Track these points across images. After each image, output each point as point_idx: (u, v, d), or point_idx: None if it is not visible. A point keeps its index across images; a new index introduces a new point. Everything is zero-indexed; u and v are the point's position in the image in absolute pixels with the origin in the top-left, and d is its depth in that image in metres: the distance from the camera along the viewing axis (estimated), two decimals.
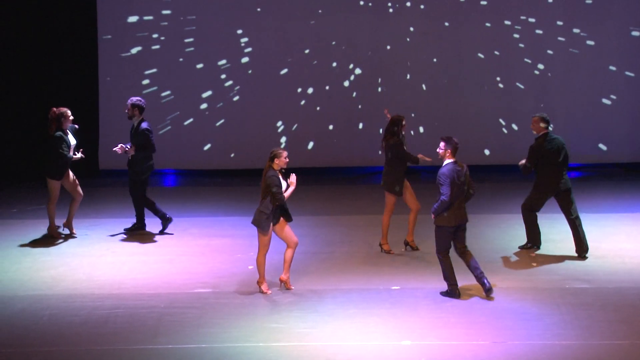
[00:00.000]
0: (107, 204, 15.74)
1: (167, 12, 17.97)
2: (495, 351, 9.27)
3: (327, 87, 18.11)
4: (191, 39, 18.01)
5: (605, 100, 18.09)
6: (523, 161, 12.39)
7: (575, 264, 12.05)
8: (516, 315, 10.18)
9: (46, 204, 13.53)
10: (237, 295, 10.91)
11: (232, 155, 18.17)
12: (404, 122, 12.47)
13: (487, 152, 18.22)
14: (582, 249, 12.30)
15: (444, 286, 10.94)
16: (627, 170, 18.33)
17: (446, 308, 10.40)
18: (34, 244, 13.24)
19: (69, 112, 13.50)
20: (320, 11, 18.02)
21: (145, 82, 18.04)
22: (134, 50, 18.02)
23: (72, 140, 13.58)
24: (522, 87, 18.06)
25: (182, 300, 10.77)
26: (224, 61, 18.07)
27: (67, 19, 17.96)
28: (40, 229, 13.85)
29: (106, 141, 17.97)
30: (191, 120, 18.02)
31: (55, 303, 10.70)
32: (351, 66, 18.13)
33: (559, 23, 17.98)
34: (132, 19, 17.97)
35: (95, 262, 12.34)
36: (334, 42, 18.07)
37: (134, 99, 13.56)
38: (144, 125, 13.46)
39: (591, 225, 13.64)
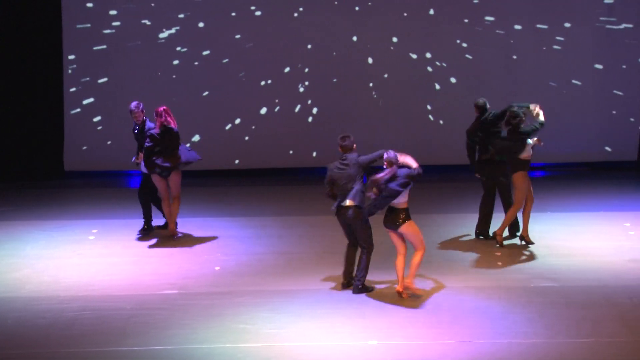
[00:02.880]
0: (73, 206, 15.67)
1: (129, 6, 17.90)
2: (461, 350, 9.32)
3: (300, 87, 18.12)
4: (157, 38, 17.96)
5: (575, 99, 18.22)
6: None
7: (541, 262, 12.13)
8: (482, 314, 10.23)
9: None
10: (205, 297, 10.89)
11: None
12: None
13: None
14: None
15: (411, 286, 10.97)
16: (593, 169, 18.48)
17: (413, 308, 10.44)
18: None
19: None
20: (295, 14, 18.03)
21: (107, 80, 17.92)
22: (100, 47, 17.90)
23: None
24: (491, 87, 18.14)
25: (150, 301, 10.74)
26: (176, 61, 18.04)
27: (32, 17, 17.77)
28: (5, 231, 13.77)
29: (71, 142, 17.88)
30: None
31: (21, 306, 10.63)
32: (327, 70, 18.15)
33: (518, 25, 18.09)
34: (91, 5, 17.86)
35: (62, 264, 12.28)
36: (309, 46, 18.09)
37: (137, 103, 13.45)
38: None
39: (558, 224, 13.76)
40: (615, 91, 18.24)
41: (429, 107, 18.23)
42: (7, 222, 14.27)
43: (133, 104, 13.36)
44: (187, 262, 12.35)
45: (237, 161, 18.22)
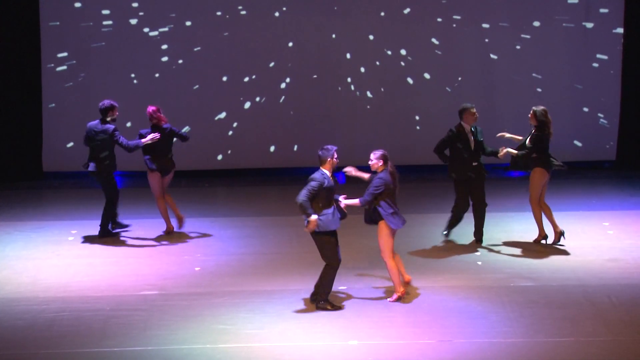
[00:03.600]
0: (52, 206, 15.60)
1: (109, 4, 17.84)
2: (441, 350, 9.33)
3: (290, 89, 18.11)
4: (140, 36, 17.89)
5: (554, 99, 18.25)
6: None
7: (521, 262, 12.16)
8: (462, 314, 10.25)
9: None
10: (184, 297, 10.87)
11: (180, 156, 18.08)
12: None
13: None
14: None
15: (391, 285, 10.98)
16: (571, 168, 18.51)
17: (393, 307, 10.45)
18: None
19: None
20: (277, 14, 18.00)
21: (86, 79, 17.83)
22: (78, 46, 17.81)
23: None
24: (468, 86, 18.15)
25: (129, 302, 10.70)
26: (167, 57, 17.98)
27: (9, 14, 17.64)
28: None
29: (50, 142, 17.79)
30: (131, 122, 17.83)
31: (0, 307, 10.58)
32: (315, 74, 18.14)
33: (503, 23, 18.13)
34: (77, 4, 17.75)
35: (40, 265, 12.22)
36: (290, 44, 18.05)
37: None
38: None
39: (535, 224, 13.77)
40: (585, 90, 18.29)
41: (405, 103, 18.25)
42: None
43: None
44: (166, 262, 12.32)
45: (220, 156, 18.14)
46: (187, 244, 13.13)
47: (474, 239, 13.01)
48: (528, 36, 18.14)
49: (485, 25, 18.09)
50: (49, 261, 12.42)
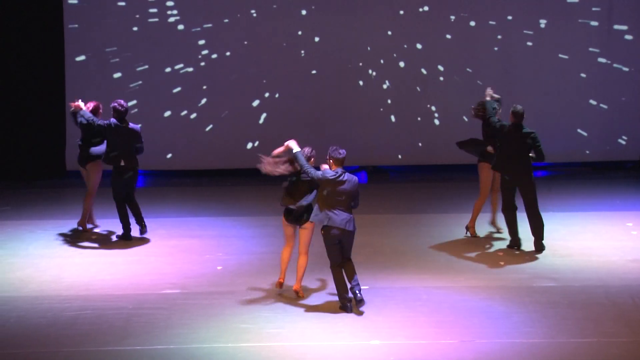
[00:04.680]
0: (74, 205, 15.64)
1: (122, 3, 17.87)
2: (463, 350, 9.31)
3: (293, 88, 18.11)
4: (160, 39, 17.94)
5: (576, 99, 18.20)
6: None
7: (543, 262, 12.12)
8: (484, 314, 10.22)
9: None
10: (205, 296, 10.88)
11: (198, 155, 18.13)
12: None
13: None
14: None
15: (413, 285, 10.98)
16: (595, 169, 18.46)
17: (415, 307, 10.43)
18: (0, 245, 13.12)
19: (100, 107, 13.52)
20: (304, 11, 18.02)
21: (109, 79, 17.90)
22: (103, 50, 17.91)
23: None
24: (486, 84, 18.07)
25: (151, 301, 10.73)
26: (182, 63, 18.00)
27: (32, 15, 17.74)
28: (6, 231, 13.77)
29: (73, 142, 17.83)
30: (156, 121, 17.91)
31: (23, 305, 10.62)
32: (314, 71, 18.13)
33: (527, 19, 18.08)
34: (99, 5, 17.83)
35: (63, 264, 12.27)
36: (284, 44, 18.05)
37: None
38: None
39: (558, 224, 13.74)
40: (606, 90, 18.22)
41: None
42: (9, 221, 14.27)
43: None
44: (188, 261, 12.34)
45: (251, 144, 18.08)
46: (209, 243, 13.15)
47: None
48: (547, 32, 18.06)
49: (507, 19, 18.04)
50: (71, 259, 12.47)
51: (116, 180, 13.24)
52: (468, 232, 13.23)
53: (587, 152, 18.40)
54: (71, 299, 10.81)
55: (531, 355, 9.19)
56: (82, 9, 17.79)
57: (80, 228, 13.71)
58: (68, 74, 17.87)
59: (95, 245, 13.18)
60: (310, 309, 10.46)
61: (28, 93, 17.77)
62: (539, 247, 12.50)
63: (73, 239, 13.42)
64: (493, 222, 13.39)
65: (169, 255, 12.63)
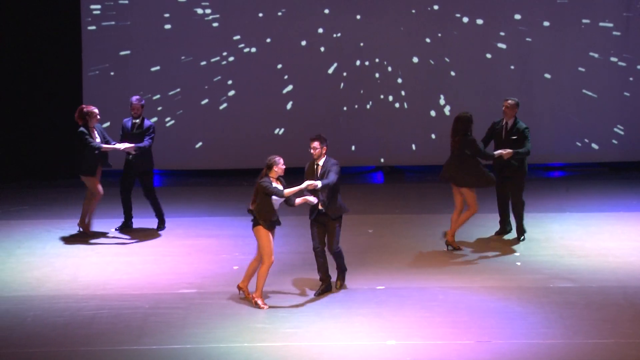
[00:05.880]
0: None
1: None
2: (479, 350, 9.29)
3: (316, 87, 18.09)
4: (175, 38, 17.95)
5: (589, 93, 18.10)
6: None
7: (560, 263, 12.08)
8: (500, 315, 10.20)
9: (84, 201, 13.59)
10: (222, 296, 10.90)
11: (218, 155, 18.13)
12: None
13: None
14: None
15: (430, 286, 10.97)
16: (612, 169, 18.38)
17: (431, 307, 10.41)
18: (18, 244, 13.18)
19: (97, 111, 13.54)
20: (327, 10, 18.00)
21: (124, 80, 17.93)
22: (120, 52, 17.94)
23: (98, 139, 13.48)
24: (503, 85, 18.01)
25: (167, 300, 10.75)
26: (207, 60, 18.00)
27: (50, 18, 17.80)
28: (23, 230, 13.81)
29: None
30: (173, 121, 17.92)
31: (39, 304, 10.66)
32: (334, 67, 18.12)
33: (546, 23, 18.01)
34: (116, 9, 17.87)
35: (80, 263, 12.30)
36: (302, 42, 18.05)
37: (138, 98, 13.78)
38: (149, 122, 13.85)
39: (575, 224, 13.71)
40: (628, 92, 18.14)
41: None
42: (26, 221, 14.32)
43: (135, 98, 13.72)
44: (204, 261, 12.36)
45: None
46: (225, 243, 13.16)
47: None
48: (569, 33, 17.99)
49: (519, 19, 17.97)
50: (88, 259, 12.50)
51: (124, 172, 13.73)
52: (450, 246, 12.74)
53: (604, 152, 18.31)
54: (88, 298, 10.84)
55: (548, 356, 9.17)
56: (99, 14, 17.87)
57: (81, 229, 13.70)
58: (85, 75, 17.91)
59: (112, 244, 13.21)
60: (327, 309, 10.46)
61: (46, 93, 17.82)
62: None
63: (90, 238, 13.45)
64: (451, 240, 12.78)
65: (186, 255, 12.65)
